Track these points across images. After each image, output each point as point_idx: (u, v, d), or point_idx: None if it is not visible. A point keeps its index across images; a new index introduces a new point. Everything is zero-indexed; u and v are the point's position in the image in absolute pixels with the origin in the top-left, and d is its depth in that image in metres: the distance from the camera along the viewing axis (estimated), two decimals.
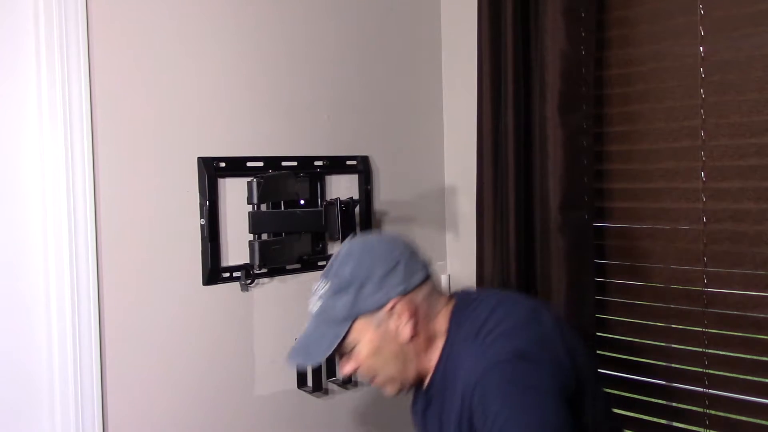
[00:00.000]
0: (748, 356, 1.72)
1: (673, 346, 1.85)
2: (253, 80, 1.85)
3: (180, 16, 1.71)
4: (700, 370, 1.79)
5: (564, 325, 1.33)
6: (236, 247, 1.79)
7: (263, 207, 1.81)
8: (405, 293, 1.28)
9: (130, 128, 1.64)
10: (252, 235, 1.79)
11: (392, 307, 1.28)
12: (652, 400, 1.89)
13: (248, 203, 1.77)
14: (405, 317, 1.28)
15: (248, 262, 1.79)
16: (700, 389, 1.79)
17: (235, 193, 1.79)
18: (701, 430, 1.79)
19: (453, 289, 1.35)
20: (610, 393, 1.86)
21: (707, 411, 1.78)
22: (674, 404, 1.86)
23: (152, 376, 1.67)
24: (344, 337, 1.30)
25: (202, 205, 1.74)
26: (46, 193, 1.54)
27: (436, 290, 1.35)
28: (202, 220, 1.73)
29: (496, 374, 1.16)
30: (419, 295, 1.30)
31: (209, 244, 1.73)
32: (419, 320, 1.30)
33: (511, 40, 1.92)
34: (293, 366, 1.34)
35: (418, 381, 1.37)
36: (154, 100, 1.67)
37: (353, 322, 1.29)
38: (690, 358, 1.82)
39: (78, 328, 1.55)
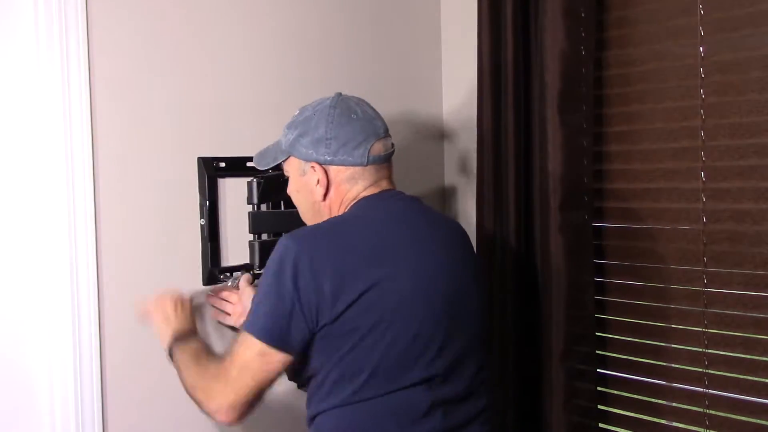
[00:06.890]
0: (748, 356, 1.72)
1: (673, 346, 1.85)
2: (254, 80, 1.85)
3: (180, 16, 1.71)
4: (700, 370, 1.79)
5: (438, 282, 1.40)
6: (236, 247, 1.79)
7: (263, 207, 1.81)
8: (326, 164, 1.44)
9: (130, 128, 1.64)
10: (252, 235, 1.79)
11: (313, 167, 1.45)
12: (652, 400, 1.89)
13: (248, 203, 1.77)
14: (320, 181, 1.45)
15: (248, 262, 1.79)
16: (700, 389, 1.79)
17: (235, 193, 1.79)
18: (701, 430, 1.79)
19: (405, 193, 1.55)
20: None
21: (707, 411, 1.78)
22: (674, 404, 1.86)
23: (152, 377, 1.67)
24: (281, 164, 1.52)
25: (202, 205, 1.74)
26: (46, 193, 1.54)
27: (367, 179, 1.46)
28: (202, 220, 1.73)
29: (280, 242, 1.36)
30: (343, 174, 1.45)
31: (209, 244, 1.73)
32: (333, 191, 1.46)
33: (511, 40, 1.92)
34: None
35: None
36: (154, 100, 1.67)
37: (288, 156, 1.49)
38: (690, 358, 1.82)
39: (78, 328, 1.55)
